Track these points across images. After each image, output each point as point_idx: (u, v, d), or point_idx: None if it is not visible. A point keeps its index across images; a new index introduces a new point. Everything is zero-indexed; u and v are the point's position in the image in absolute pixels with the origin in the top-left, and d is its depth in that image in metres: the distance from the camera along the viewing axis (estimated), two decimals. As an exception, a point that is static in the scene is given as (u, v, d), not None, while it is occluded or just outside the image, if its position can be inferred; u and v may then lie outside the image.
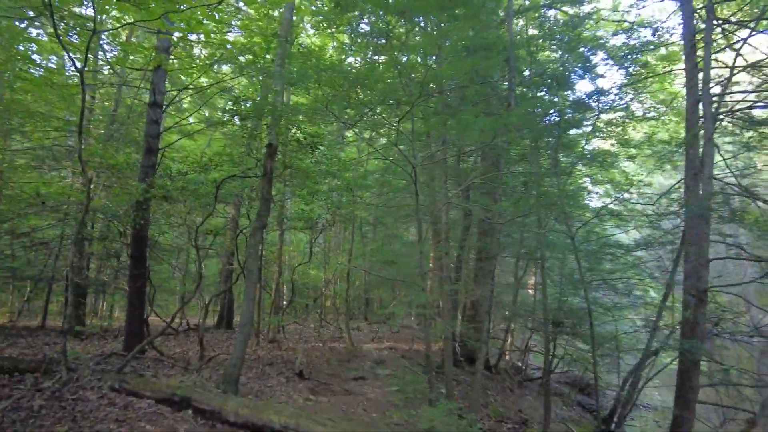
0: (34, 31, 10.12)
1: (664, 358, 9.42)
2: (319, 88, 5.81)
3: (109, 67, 12.45)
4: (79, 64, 6.02)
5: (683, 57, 8.69)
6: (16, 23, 7.32)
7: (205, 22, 5.94)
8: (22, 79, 8.52)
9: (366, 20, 8.41)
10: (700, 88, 7.90)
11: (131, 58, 9.70)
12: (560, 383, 15.57)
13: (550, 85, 10.87)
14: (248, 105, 6.86)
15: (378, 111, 6.92)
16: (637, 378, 8.87)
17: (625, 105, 12.97)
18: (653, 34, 10.06)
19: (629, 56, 10.74)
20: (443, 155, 9.04)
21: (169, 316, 17.10)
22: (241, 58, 7.62)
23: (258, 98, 6.36)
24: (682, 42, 8.79)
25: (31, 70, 8.93)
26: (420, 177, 7.20)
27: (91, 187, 10.58)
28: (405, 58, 6.66)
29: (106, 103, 15.32)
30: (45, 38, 11.95)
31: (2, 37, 7.64)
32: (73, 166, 12.22)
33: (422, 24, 8.81)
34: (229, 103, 6.75)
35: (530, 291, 19.27)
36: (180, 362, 8.97)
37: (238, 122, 6.75)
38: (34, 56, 9.31)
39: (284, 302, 14.86)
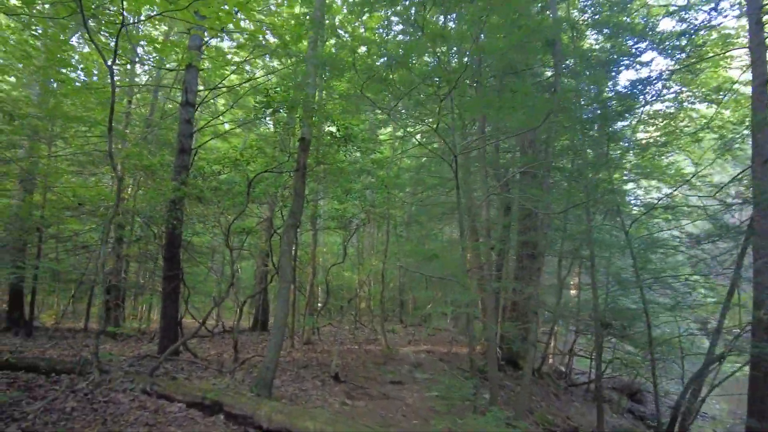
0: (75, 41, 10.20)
1: (729, 363, 8.65)
2: (354, 69, 5.48)
3: (143, 70, 12.54)
4: (108, 61, 5.91)
5: (747, 36, 7.97)
6: (55, 29, 7.34)
7: (235, 11, 5.72)
8: (64, 82, 8.55)
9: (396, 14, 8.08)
10: None
11: (164, 59, 9.69)
12: (608, 389, 14.77)
13: (594, 75, 10.26)
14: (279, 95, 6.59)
15: (416, 95, 6.55)
16: (699, 385, 8.15)
17: (674, 94, 12.17)
18: (709, 13, 9.29)
19: (679, 41, 9.99)
20: (483, 144, 8.57)
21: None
22: (271, 38, 7.32)
23: (290, 90, 6.07)
24: (746, 20, 8.07)
25: (72, 75, 9.04)
26: (458, 172, 6.79)
27: (124, 187, 10.74)
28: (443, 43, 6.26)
29: (142, 109, 15.56)
30: (86, 49, 12.17)
31: (44, 44, 7.72)
32: (112, 171, 12.37)
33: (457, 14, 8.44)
34: (260, 97, 6.50)
35: (572, 291, 18.52)
36: (214, 364, 8.81)
37: (269, 117, 6.48)
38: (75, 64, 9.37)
39: (319, 304, 14.64)
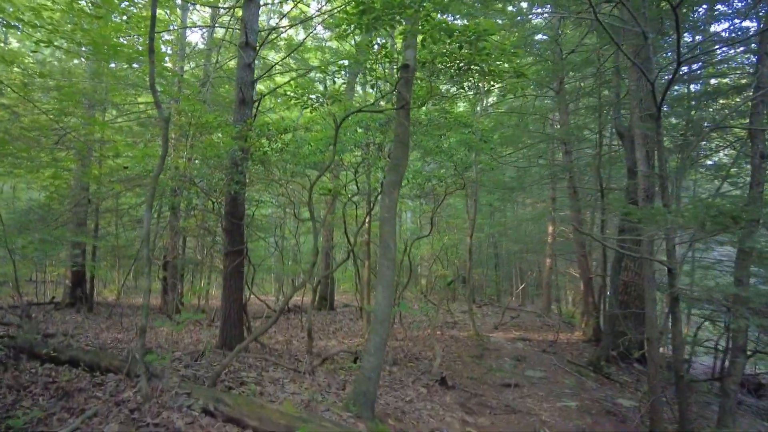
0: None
1: None
2: None
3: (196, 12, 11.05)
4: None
5: None
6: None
7: None
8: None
9: None
10: None
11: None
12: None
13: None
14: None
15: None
16: None
17: None
18: None
19: None
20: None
21: (267, 296, 16.04)
22: None
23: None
24: None
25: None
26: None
27: (177, 147, 9.40)
28: None
29: (196, 71, 14.29)
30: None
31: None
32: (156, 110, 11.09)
33: None
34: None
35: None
36: (286, 358, 7.40)
37: (364, 32, 4.64)
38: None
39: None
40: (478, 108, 13.77)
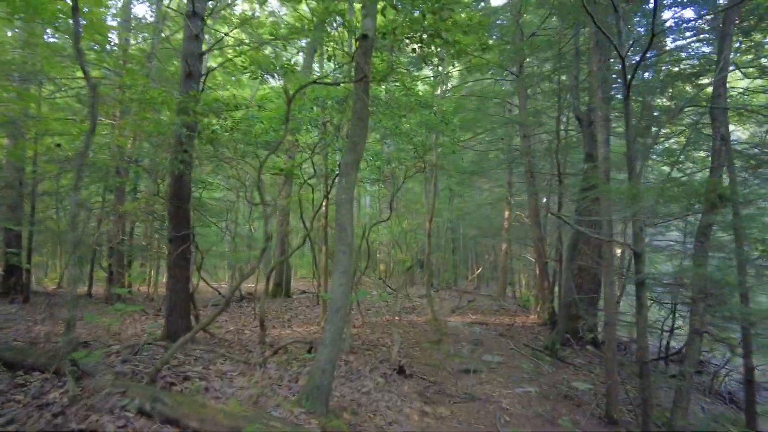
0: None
1: None
2: None
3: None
4: None
5: None
6: None
7: None
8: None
9: None
10: None
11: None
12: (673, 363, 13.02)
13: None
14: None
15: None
16: None
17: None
18: None
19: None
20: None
21: (219, 283, 15.41)
22: None
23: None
24: None
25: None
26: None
27: (120, 127, 8.68)
28: None
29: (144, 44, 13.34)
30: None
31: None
32: (106, 113, 10.28)
33: None
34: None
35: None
36: (236, 348, 7.02)
37: None
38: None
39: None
40: (438, 91, 13.56)
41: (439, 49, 4.46)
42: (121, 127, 7.84)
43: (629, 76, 4.11)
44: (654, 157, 11.67)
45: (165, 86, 10.35)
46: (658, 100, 10.36)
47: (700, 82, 7.98)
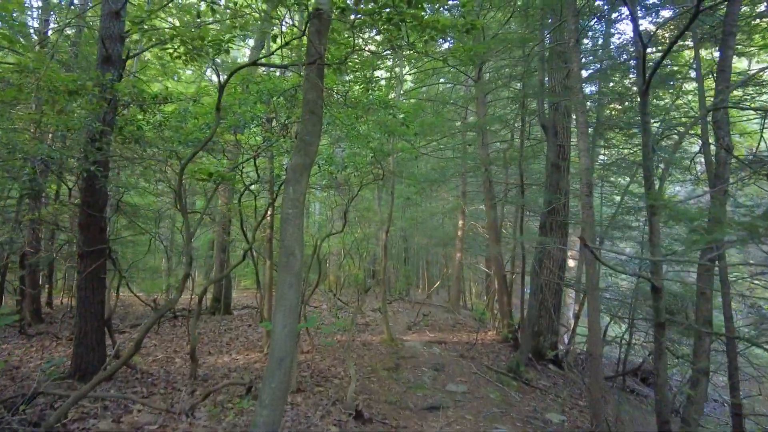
0: None
1: None
2: None
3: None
4: None
5: None
6: None
7: None
8: None
9: None
10: None
11: None
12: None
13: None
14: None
15: None
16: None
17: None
18: None
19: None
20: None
21: (157, 295, 13.86)
22: None
23: None
24: None
25: None
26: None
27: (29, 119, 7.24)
28: None
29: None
30: None
31: None
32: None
33: None
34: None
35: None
36: (161, 385, 5.89)
37: None
38: None
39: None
40: (393, 95, 12.83)
41: (408, 34, 3.63)
42: (20, 118, 6.50)
43: (648, 73, 3.46)
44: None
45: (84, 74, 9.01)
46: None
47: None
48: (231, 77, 3.51)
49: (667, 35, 8.80)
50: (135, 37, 7.43)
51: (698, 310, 4.00)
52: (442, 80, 14.03)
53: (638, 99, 8.65)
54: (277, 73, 8.93)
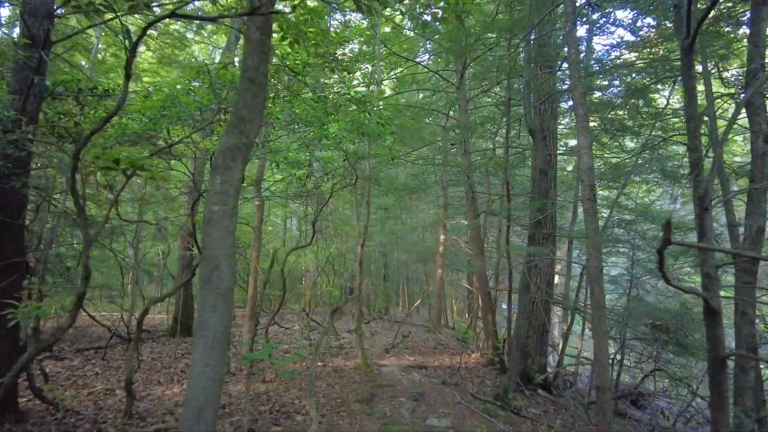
0: None
1: None
2: None
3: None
4: None
5: None
6: None
7: None
8: None
9: None
10: None
11: None
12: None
13: None
14: None
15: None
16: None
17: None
18: None
19: None
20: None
21: (120, 316, 12.67)
22: None
23: None
24: None
25: None
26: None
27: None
28: None
29: None
30: None
31: None
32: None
33: None
34: None
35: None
36: (84, 427, 4.90)
37: None
38: None
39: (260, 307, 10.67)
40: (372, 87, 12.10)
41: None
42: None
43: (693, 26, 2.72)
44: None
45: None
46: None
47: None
48: (146, 31, 2.69)
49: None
50: (73, 21, 6.55)
51: (739, 333, 3.26)
52: (421, 87, 13.40)
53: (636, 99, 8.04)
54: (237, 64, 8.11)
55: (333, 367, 8.67)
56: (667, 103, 8.84)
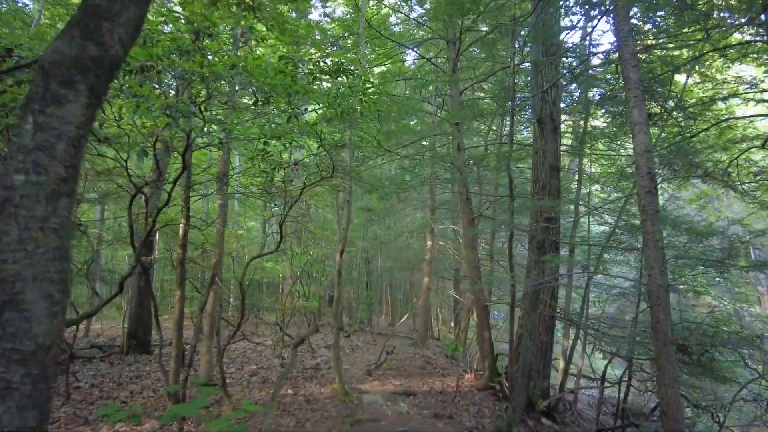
0: None
1: None
2: None
3: None
4: None
5: None
6: None
7: None
8: None
9: None
10: None
11: None
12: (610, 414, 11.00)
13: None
14: None
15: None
16: None
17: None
18: None
19: None
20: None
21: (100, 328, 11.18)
22: None
23: None
24: None
25: None
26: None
27: None
28: None
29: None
30: None
31: None
32: None
33: None
34: None
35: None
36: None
37: None
38: None
39: (222, 317, 9.29)
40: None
41: None
42: None
43: None
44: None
45: None
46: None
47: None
48: None
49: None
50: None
51: None
52: (408, 77, 12.24)
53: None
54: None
55: (305, 396, 7.36)
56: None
